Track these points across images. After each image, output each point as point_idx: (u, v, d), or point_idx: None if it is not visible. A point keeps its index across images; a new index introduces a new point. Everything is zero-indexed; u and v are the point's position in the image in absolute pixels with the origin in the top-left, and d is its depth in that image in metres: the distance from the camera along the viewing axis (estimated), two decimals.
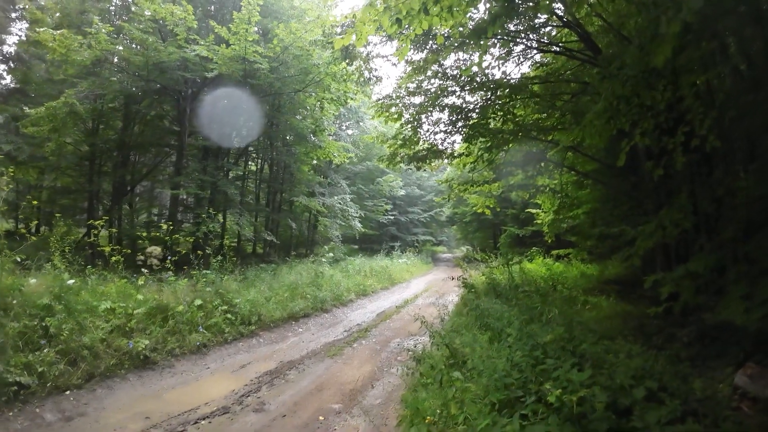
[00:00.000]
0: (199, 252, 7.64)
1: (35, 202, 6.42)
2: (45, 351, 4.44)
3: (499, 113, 7.96)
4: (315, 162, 15.43)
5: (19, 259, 5.18)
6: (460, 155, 9.67)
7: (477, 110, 8.21)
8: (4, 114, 15.17)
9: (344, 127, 21.18)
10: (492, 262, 11.59)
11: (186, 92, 10.90)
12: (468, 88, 7.98)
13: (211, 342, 6.26)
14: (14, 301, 4.66)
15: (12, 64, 17.97)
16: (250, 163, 15.44)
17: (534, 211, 13.44)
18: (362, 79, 9.42)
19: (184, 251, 7.41)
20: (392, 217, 26.61)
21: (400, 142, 9.35)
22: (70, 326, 4.77)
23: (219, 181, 10.95)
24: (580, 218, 10.28)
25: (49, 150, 10.03)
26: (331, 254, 13.72)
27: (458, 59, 8.19)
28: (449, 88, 8.18)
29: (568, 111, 7.81)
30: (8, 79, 18.62)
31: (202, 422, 4.18)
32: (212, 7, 12.44)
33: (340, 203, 17.41)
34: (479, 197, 12.85)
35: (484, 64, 8.05)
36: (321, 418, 4.37)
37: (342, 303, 10.48)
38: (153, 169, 12.88)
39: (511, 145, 8.22)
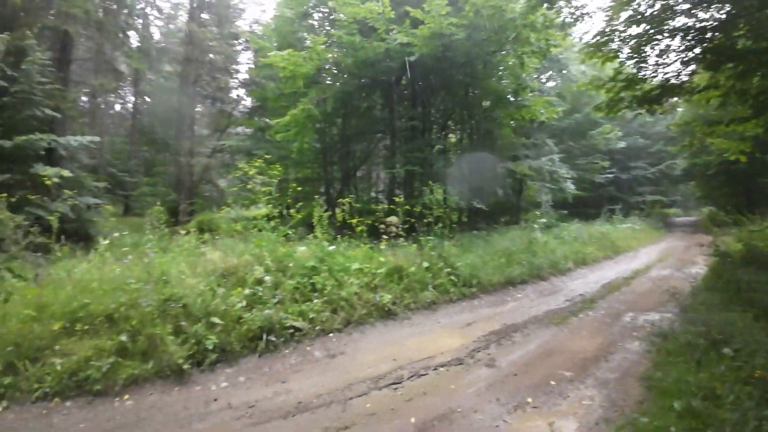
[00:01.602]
0: (425, 220, 8.36)
1: (298, 188, 8.12)
2: (314, 302, 5.57)
3: (746, 28, 5.99)
4: (513, 123, 14.66)
5: (290, 233, 6.76)
6: (703, 89, 7.68)
7: (717, 29, 6.40)
8: (253, 127, 19.66)
9: (544, 80, 19.20)
10: (751, 225, 8.99)
11: (391, 80, 11.87)
12: (702, 2, 6.24)
13: (439, 300, 6.85)
14: (290, 264, 6.01)
15: (249, 88, 23.04)
16: (450, 135, 15.80)
17: None
18: (566, 21, 8.37)
19: (413, 221, 8.29)
20: (610, 176, 22.74)
21: (621, 83, 7.99)
22: (331, 283, 5.90)
23: (428, 156, 11.65)
24: None
25: (294, 149, 12.50)
26: (543, 220, 13.02)
27: None
28: (676, 7, 6.57)
29: None
30: (248, 100, 24.09)
31: (441, 369, 4.62)
32: None
33: (548, 164, 16.00)
34: (729, 141, 10.01)
35: None
36: (552, 382, 4.28)
37: (559, 271, 9.90)
38: (369, 154, 14.68)
39: None
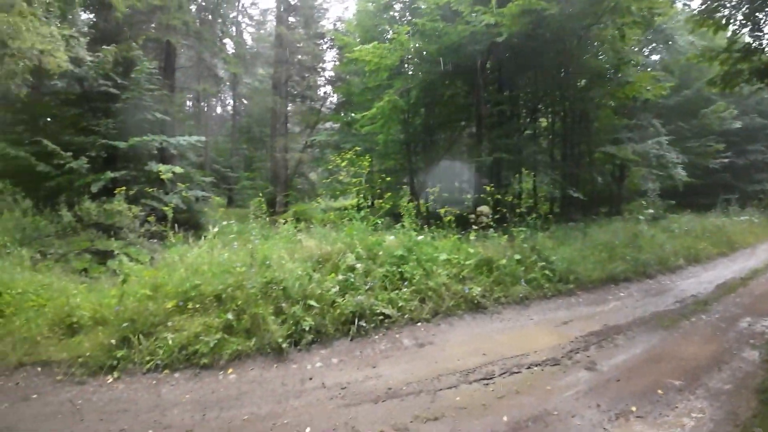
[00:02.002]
0: (518, 210, 8.01)
1: (387, 179, 8.25)
2: (403, 290, 5.57)
3: None
4: (612, 103, 13.31)
5: (379, 222, 6.84)
6: None
7: None
8: (340, 122, 20.34)
9: (647, 53, 17.10)
10: None
11: (476, 64, 11.46)
12: None
13: (532, 295, 6.48)
14: (379, 253, 6.08)
15: (335, 85, 23.87)
16: (540, 119, 14.84)
17: None
18: None
19: (504, 210, 7.99)
20: (725, 160, 19.34)
21: (736, 55, 6.93)
22: (419, 272, 5.85)
23: (516, 142, 11.10)
24: None
25: (380, 141, 12.66)
26: (650, 210, 11.72)
27: None
28: None
29: None
30: (334, 97, 24.96)
31: (535, 368, 4.39)
32: None
33: (654, 148, 14.23)
34: None
35: None
36: (659, 391, 3.92)
37: (668, 269, 8.93)
38: (453, 143, 14.35)
39: None
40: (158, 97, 12.57)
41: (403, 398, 3.78)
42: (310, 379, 4.13)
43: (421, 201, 11.01)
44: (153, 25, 14.85)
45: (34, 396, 3.81)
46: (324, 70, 25.77)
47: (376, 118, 11.74)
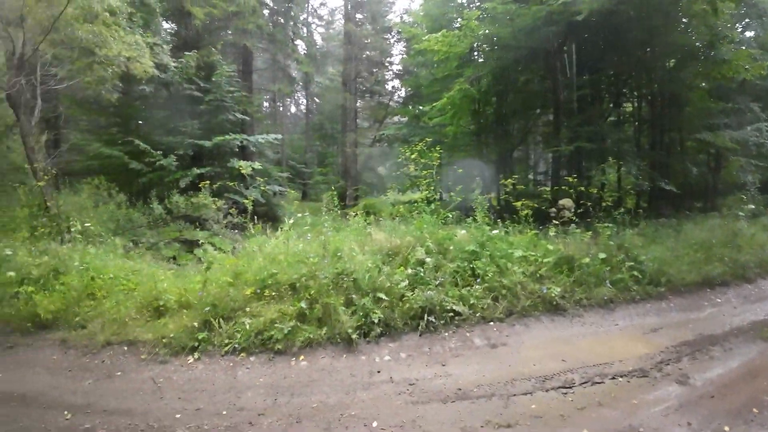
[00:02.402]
0: (604, 204, 7.41)
1: (459, 171, 8.03)
2: (474, 287, 5.32)
3: None
4: (705, 85, 11.75)
5: (449, 216, 6.61)
6: None
7: None
8: (408, 115, 20.25)
9: (739, 29, 14.89)
10: None
11: (552, 46, 10.72)
12: None
13: (618, 298, 5.89)
14: (450, 248, 5.86)
15: (402, 78, 23.82)
16: (625, 104, 13.54)
17: None
18: None
19: (589, 204, 7.38)
20: None
21: None
22: (492, 269, 5.55)
23: (599, 130, 10.23)
24: None
25: (449, 132, 12.36)
26: (751, 206, 10.19)
27: None
28: None
29: None
30: (402, 90, 24.91)
31: (620, 379, 4.02)
32: None
33: (754, 135, 12.31)
34: None
35: None
36: (755, 410, 3.50)
37: None
38: (527, 132, 13.64)
39: None
40: (238, 99, 13.41)
41: (474, 401, 3.63)
42: (378, 372, 4.10)
43: (492, 194, 10.53)
44: (230, 31, 15.84)
45: (119, 373, 4.16)
46: (391, 64, 25.94)
47: (445, 109, 11.47)
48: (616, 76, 12.49)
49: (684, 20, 10.73)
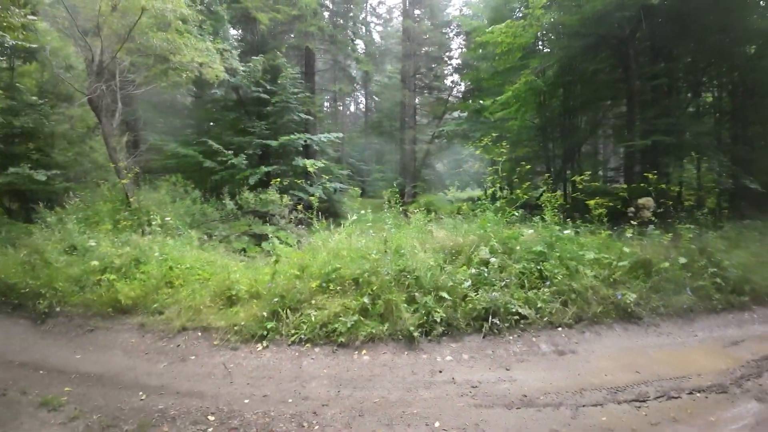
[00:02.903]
0: (687, 203, 6.76)
1: (526, 166, 7.72)
2: (542, 290, 5.08)
3: None
4: None
5: (516, 214, 6.39)
6: None
7: None
8: (468, 110, 19.80)
9: None
10: None
11: (624, 33, 9.96)
12: None
13: (698, 307, 5.38)
14: (516, 248, 5.65)
15: (462, 72, 23.28)
16: (704, 94, 12.28)
17: None
18: None
19: (670, 203, 6.79)
20: None
21: None
22: (561, 271, 5.26)
23: (677, 122, 9.35)
24: None
25: (513, 127, 11.93)
26: None
27: None
28: None
29: None
30: (462, 85, 24.34)
31: (697, 394, 3.73)
32: None
33: None
34: None
35: None
36: None
37: None
38: (596, 126, 12.79)
39: None
40: (301, 99, 13.93)
41: (540, 409, 3.50)
42: (440, 372, 4.07)
43: (559, 192, 10.00)
44: (292, 34, 16.45)
45: (192, 357, 4.45)
46: (451, 58, 25.52)
47: (509, 102, 11.06)
48: (693, 64, 11.38)
49: (762, 3, 9.55)
